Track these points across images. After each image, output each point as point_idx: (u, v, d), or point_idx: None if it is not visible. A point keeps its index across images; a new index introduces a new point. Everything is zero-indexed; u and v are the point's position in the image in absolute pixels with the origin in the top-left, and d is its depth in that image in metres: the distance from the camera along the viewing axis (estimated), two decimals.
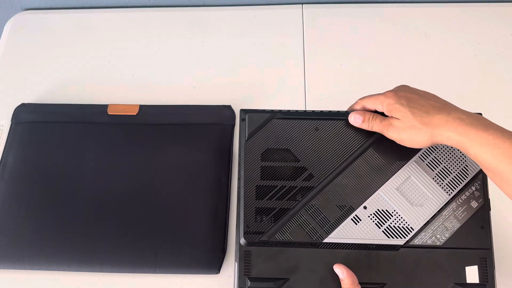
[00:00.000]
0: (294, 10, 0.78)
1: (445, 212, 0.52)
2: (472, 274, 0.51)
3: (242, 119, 0.56)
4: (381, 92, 0.55)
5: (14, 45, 0.78)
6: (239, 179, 0.54)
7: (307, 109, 0.61)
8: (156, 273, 0.57)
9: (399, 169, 0.54)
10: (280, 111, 0.57)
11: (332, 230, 0.52)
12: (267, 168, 0.54)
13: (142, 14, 0.80)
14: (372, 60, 0.73)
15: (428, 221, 0.52)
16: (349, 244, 0.51)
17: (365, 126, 0.54)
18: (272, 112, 0.57)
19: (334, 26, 0.76)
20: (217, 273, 0.58)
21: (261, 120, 0.56)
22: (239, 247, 0.51)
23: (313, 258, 0.51)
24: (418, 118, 0.49)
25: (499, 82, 0.70)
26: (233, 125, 0.67)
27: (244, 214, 0.52)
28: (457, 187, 0.53)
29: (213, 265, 0.58)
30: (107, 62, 0.75)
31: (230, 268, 0.59)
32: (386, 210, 0.52)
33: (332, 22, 0.77)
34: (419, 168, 0.54)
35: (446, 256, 0.51)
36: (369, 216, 0.52)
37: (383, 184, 0.53)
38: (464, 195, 0.53)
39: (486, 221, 0.52)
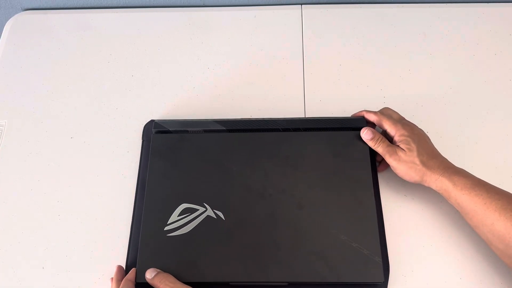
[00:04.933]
0: (293, 11, 0.78)
1: None
2: None
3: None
4: (385, 106, 0.61)
5: (14, 45, 0.78)
6: None
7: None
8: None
9: None
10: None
11: None
12: None
13: (142, 14, 0.80)
14: (371, 60, 0.73)
15: None
16: None
17: (371, 144, 0.60)
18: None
19: (333, 27, 0.77)
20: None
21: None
22: None
23: None
24: (420, 157, 0.56)
25: (498, 82, 0.71)
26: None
27: None
28: None
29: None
30: (107, 62, 0.75)
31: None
32: None
33: (331, 23, 0.77)
34: None
35: None
36: None
37: None
38: None
39: None
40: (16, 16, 0.81)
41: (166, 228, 0.57)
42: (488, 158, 0.64)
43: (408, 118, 0.67)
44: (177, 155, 0.62)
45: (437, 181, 0.55)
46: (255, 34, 0.77)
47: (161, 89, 0.72)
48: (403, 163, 0.57)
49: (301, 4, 0.79)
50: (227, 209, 0.58)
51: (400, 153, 0.57)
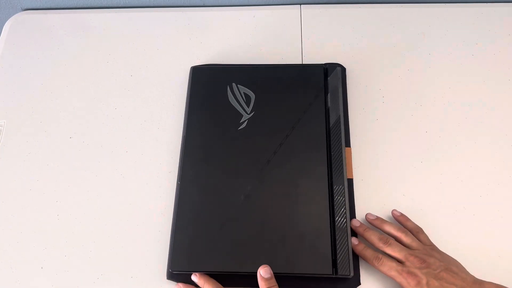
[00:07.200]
0: (292, 11, 0.78)
1: None
2: None
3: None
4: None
5: (13, 45, 0.78)
6: None
7: None
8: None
9: None
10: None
11: None
12: None
13: (142, 14, 0.80)
14: (370, 60, 0.73)
15: None
16: None
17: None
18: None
19: (333, 27, 0.77)
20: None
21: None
22: None
23: None
24: None
25: (498, 82, 0.70)
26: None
27: None
28: None
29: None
30: (106, 62, 0.75)
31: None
32: None
33: (330, 23, 0.77)
34: None
35: None
36: None
37: None
38: None
39: None
40: (16, 16, 0.81)
41: None
42: (487, 158, 0.64)
43: (407, 118, 0.67)
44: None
45: None
46: (254, 34, 0.77)
47: (161, 89, 0.72)
48: None
49: (300, 4, 0.79)
50: None
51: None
